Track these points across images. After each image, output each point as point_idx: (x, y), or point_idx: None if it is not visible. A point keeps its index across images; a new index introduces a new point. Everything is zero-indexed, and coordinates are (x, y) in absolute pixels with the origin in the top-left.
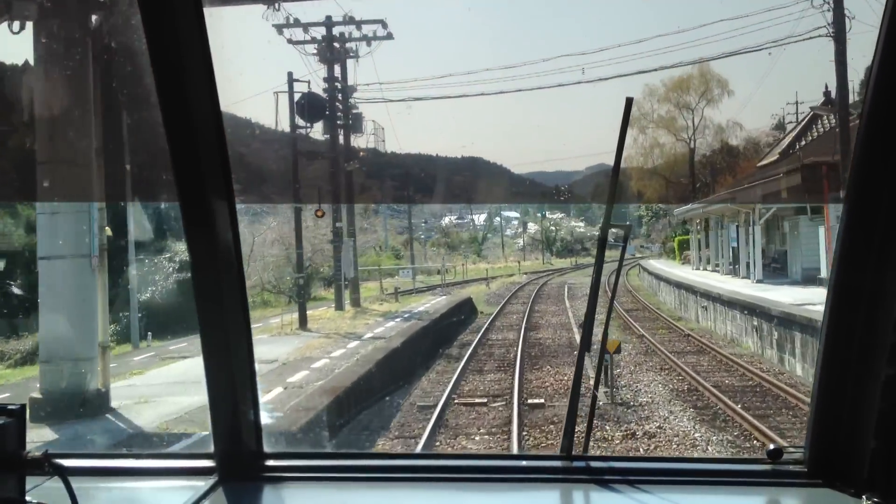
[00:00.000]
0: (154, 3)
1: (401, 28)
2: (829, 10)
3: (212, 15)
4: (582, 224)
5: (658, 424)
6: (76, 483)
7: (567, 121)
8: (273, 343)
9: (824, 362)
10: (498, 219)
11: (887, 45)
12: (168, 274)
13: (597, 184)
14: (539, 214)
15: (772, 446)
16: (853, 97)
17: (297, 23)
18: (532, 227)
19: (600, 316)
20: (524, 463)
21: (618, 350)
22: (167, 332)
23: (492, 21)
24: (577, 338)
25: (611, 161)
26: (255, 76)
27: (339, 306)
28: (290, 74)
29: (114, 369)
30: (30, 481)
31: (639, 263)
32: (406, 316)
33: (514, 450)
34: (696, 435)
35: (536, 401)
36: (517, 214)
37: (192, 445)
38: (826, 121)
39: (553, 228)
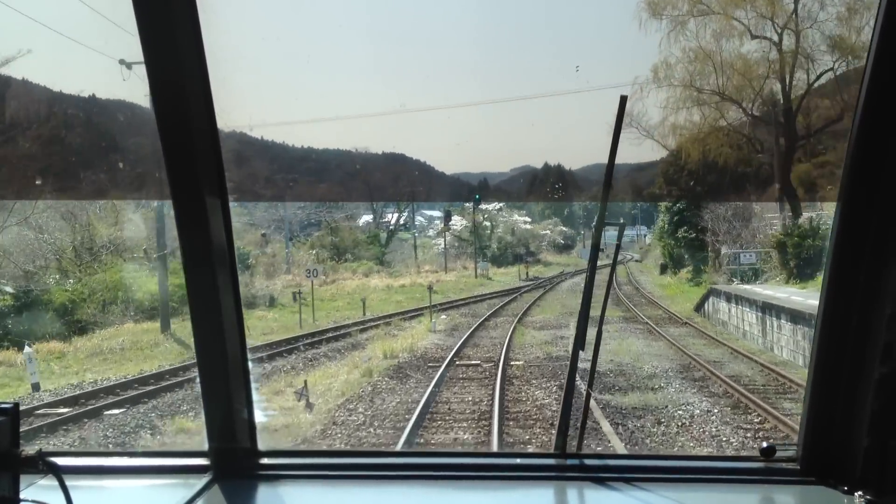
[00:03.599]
0: (149, 2)
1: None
2: None
3: (206, 12)
4: (528, 219)
5: None
6: (70, 481)
7: (493, 122)
8: None
9: (818, 361)
10: (420, 218)
11: (880, 47)
12: None
13: (522, 183)
14: (470, 204)
15: (765, 444)
16: None
17: None
18: (459, 222)
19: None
20: (519, 461)
21: None
22: None
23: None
24: None
25: (536, 163)
26: (250, 75)
27: None
28: None
29: None
30: (24, 480)
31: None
32: None
33: None
34: None
35: None
36: (440, 214)
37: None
38: None
39: (487, 224)
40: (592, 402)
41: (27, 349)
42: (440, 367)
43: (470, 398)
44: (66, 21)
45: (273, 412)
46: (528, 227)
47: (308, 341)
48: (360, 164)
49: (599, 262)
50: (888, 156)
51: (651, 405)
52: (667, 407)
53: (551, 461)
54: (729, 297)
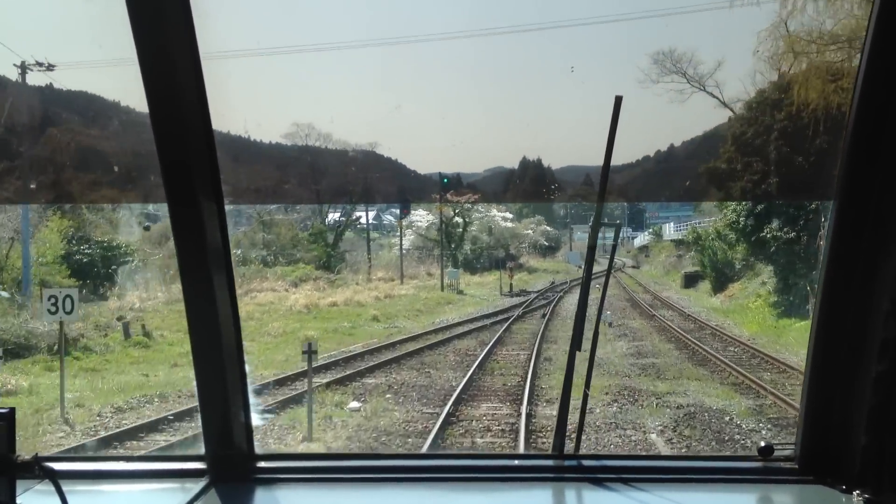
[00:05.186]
0: (141, 2)
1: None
2: None
3: (200, 17)
4: (509, 215)
5: None
6: (67, 486)
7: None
8: None
9: (815, 360)
10: (389, 217)
11: (873, 48)
12: None
13: (497, 183)
14: (437, 195)
15: (762, 443)
16: None
17: None
18: (423, 217)
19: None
20: (517, 462)
21: None
22: None
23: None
24: None
25: (509, 163)
26: (244, 78)
27: None
28: None
29: None
30: (20, 485)
31: None
32: None
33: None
34: None
35: None
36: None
37: None
38: None
39: (459, 221)
40: None
41: None
42: None
43: None
44: None
45: None
46: (509, 224)
47: None
48: (336, 161)
49: (596, 269)
50: (884, 152)
51: None
52: None
53: (549, 462)
54: None
